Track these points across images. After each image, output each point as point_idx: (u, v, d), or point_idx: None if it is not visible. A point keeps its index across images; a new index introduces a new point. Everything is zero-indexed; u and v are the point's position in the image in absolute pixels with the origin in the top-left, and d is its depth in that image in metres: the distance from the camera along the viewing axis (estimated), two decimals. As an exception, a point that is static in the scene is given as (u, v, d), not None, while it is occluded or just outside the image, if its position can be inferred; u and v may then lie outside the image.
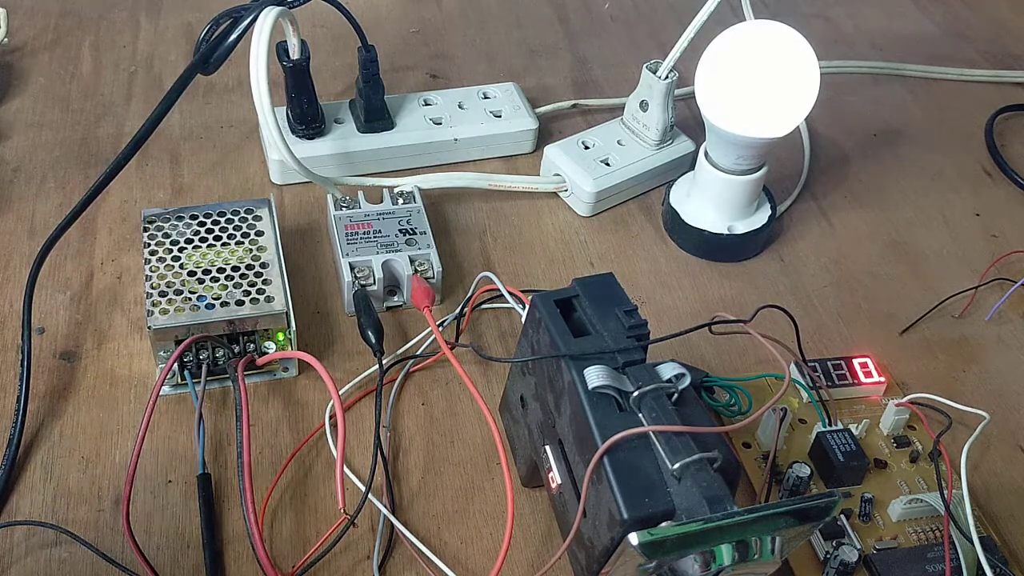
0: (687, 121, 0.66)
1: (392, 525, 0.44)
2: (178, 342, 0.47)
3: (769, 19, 0.53)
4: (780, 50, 0.52)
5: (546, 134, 0.66)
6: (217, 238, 0.50)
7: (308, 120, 0.60)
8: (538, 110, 0.66)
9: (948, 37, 0.80)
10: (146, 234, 0.50)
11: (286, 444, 0.47)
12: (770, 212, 0.59)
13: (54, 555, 0.42)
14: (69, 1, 0.75)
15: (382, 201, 0.56)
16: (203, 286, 0.48)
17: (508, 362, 0.49)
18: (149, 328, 0.46)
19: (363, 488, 0.43)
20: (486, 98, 0.66)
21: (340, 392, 0.48)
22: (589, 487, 0.36)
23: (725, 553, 0.33)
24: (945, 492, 0.43)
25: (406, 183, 0.58)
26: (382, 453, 0.46)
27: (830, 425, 0.47)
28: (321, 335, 0.52)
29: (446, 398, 0.50)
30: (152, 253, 0.49)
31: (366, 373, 0.50)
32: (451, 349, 0.48)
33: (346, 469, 0.45)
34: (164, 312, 0.47)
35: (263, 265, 0.49)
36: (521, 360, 0.43)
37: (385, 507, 0.44)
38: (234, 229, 0.51)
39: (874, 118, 0.71)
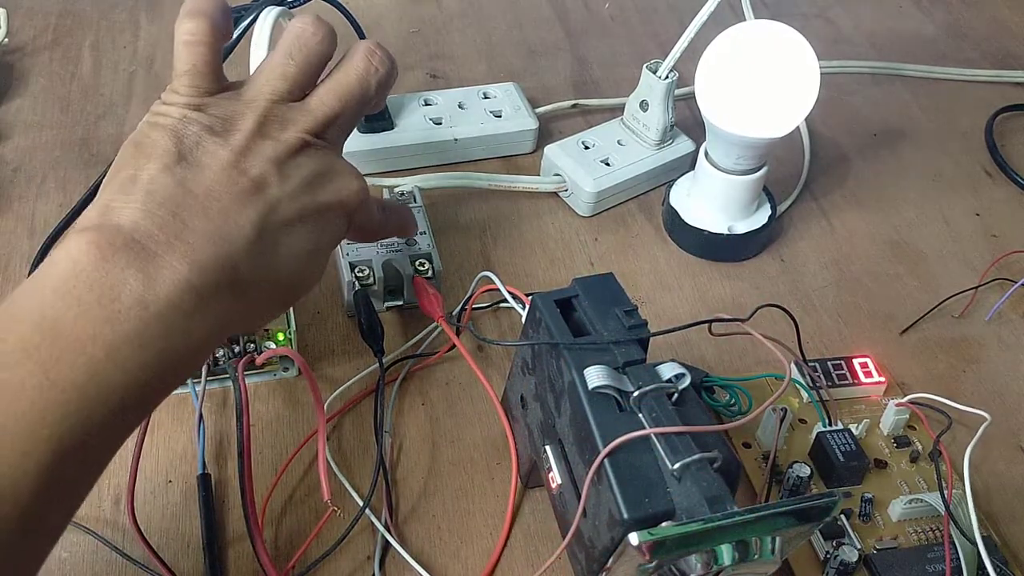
0: (687, 121, 0.66)
1: (392, 525, 0.44)
2: (178, 342, 0.46)
3: (769, 19, 0.53)
4: (780, 50, 0.52)
5: (546, 134, 0.66)
6: (217, 238, 0.50)
7: (308, 120, 0.60)
8: (538, 110, 0.66)
9: (948, 37, 0.80)
10: (146, 234, 0.50)
11: (286, 444, 0.47)
12: (770, 212, 0.59)
13: (54, 554, 0.42)
14: (69, 1, 0.75)
15: (382, 201, 0.56)
16: (203, 286, 0.48)
17: (505, 345, 0.49)
18: (149, 328, 0.46)
19: (360, 501, 0.43)
20: (486, 98, 0.66)
21: (340, 390, 0.49)
22: (589, 487, 0.36)
23: (725, 553, 0.33)
24: (945, 492, 0.43)
25: (406, 183, 0.58)
26: (382, 453, 0.46)
27: (830, 425, 0.47)
28: (321, 335, 0.52)
29: (446, 398, 0.50)
30: (152, 253, 0.49)
31: (366, 372, 0.50)
32: (456, 334, 0.48)
33: (343, 477, 0.45)
34: (164, 312, 0.46)
35: (263, 265, 0.49)
36: (516, 344, 0.43)
37: (384, 508, 0.44)
38: (234, 229, 0.51)
39: (874, 118, 0.71)
